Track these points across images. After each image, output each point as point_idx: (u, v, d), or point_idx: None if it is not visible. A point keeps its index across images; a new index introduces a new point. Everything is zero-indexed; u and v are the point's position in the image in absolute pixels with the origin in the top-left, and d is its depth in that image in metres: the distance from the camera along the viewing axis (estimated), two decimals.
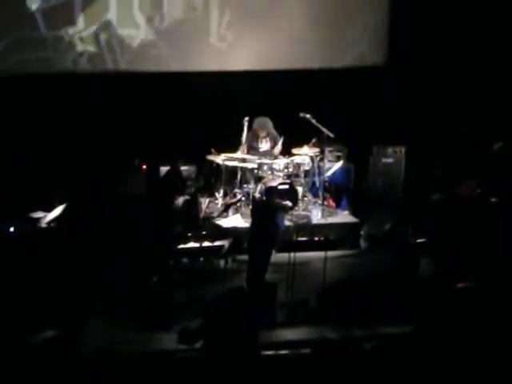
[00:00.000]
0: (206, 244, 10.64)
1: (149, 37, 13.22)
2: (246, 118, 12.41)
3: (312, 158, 12.61)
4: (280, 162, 12.43)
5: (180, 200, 11.48)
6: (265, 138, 12.68)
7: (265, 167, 12.33)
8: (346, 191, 13.10)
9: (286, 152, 12.62)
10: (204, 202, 12.08)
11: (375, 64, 14.03)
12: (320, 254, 10.61)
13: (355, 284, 10.14)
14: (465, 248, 10.80)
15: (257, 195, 12.02)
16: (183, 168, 12.59)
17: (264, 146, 12.71)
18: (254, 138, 12.64)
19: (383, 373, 4.82)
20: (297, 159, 12.52)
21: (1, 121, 12.10)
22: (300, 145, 12.56)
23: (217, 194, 12.50)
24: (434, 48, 13.56)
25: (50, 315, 8.77)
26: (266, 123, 12.55)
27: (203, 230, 11.28)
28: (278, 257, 10.45)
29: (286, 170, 12.39)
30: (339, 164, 13.06)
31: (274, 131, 12.66)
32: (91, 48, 13.03)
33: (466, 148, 12.68)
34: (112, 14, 13.00)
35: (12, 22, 12.57)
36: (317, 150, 12.63)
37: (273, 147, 12.67)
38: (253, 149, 12.63)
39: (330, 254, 10.71)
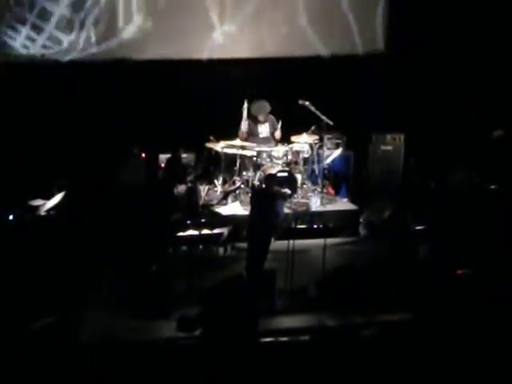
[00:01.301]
0: (205, 232, 10.62)
1: (147, 24, 13.17)
2: (245, 105, 12.40)
3: (311, 146, 12.60)
4: (279, 150, 12.41)
5: (181, 188, 11.47)
6: (264, 122, 12.65)
7: (264, 155, 12.30)
8: (345, 179, 13.10)
9: (285, 139, 12.60)
10: (203, 189, 12.06)
11: (375, 51, 13.99)
12: (319, 241, 10.61)
13: (354, 271, 10.14)
14: (464, 235, 10.79)
15: (256, 183, 12.01)
16: (182, 156, 12.57)
17: (264, 131, 12.69)
18: (253, 124, 12.61)
19: (382, 360, 4.82)
20: (296, 147, 12.51)
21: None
22: (299, 132, 12.55)
23: (216, 181, 12.49)
24: (434, 35, 13.51)
25: (49, 303, 8.77)
26: (264, 106, 12.53)
27: (202, 217, 11.26)
28: (277, 244, 10.43)
29: (285, 158, 12.37)
30: (338, 151, 13.04)
31: (271, 115, 12.64)
32: (88, 36, 12.97)
33: (465, 136, 12.66)
34: (110, 2, 12.96)
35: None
36: (316, 137, 12.62)
37: (273, 132, 12.66)
38: (252, 135, 12.61)
39: (329, 241, 10.72)
